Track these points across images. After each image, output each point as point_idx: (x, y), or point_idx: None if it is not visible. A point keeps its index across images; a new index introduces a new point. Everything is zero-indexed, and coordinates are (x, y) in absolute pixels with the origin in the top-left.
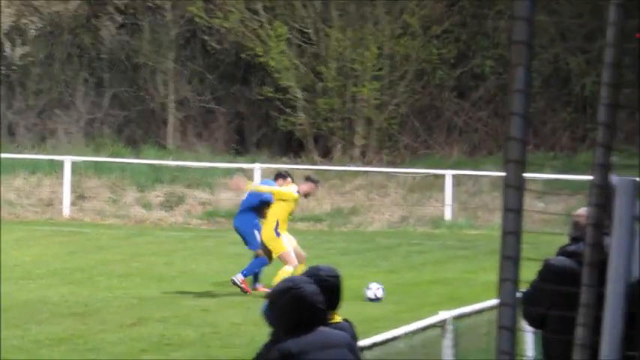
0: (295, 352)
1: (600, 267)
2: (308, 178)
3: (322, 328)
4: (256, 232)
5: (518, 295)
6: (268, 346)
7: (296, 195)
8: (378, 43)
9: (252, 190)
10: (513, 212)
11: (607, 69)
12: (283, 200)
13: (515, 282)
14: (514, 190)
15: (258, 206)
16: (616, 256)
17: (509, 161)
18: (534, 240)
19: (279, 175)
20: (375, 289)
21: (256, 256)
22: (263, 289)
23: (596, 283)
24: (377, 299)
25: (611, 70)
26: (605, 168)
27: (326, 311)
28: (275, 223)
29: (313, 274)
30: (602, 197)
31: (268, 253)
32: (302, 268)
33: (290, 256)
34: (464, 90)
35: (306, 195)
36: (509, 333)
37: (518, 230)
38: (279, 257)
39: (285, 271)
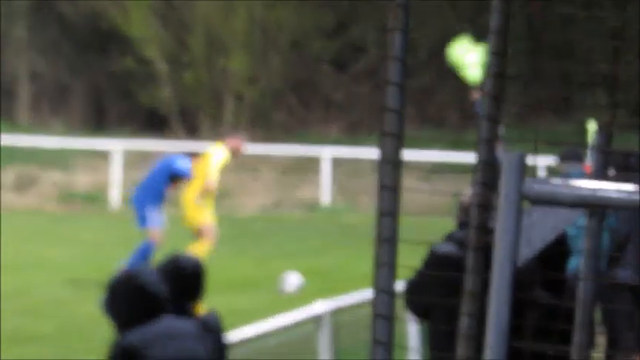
0: (139, 345)
1: (486, 251)
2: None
3: (166, 319)
4: (152, 209)
5: (402, 284)
6: (113, 342)
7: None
8: (248, 11)
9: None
10: (389, 190)
11: (493, 36)
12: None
13: (393, 267)
14: (390, 165)
15: (163, 180)
16: (501, 237)
17: (384, 134)
18: (419, 225)
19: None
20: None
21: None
22: None
23: (482, 269)
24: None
25: (497, 38)
26: (490, 142)
27: (168, 301)
28: (197, 192)
29: (173, 262)
30: (489, 175)
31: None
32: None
33: (210, 232)
34: (343, 62)
35: (235, 153)
36: (385, 322)
37: (395, 211)
38: (198, 230)
39: (200, 248)
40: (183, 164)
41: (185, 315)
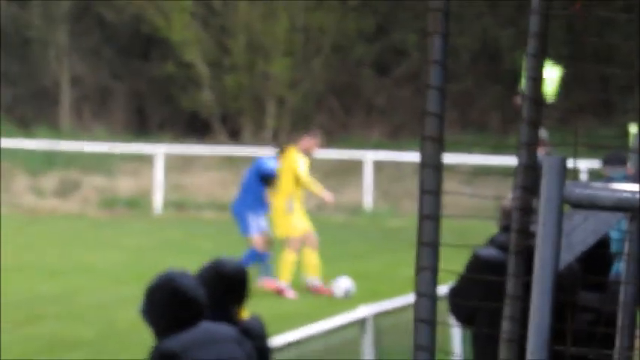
0: (178, 350)
1: (528, 255)
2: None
3: (205, 324)
4: (251, 216)
5: (445, 288)
6: (152, 347)
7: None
8: (290, 16)
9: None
10: (431, 194)
11: (532, 39)
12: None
13: (434, 271)
14: (431, 169)
15: (257, 184)
16: (543, 241)
17: (425, 138)
18: (462, 229)
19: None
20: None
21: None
22: (272, 284)
23: (523, 273)
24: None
25: (537, 40)
26: (531, 146)
27: (226, 308)
28: (287, 197)
29: (215, 267)
30: (530, 179)
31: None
32: (312, 256)
33: (297, 243)
34: (384, 66)
35: (308, 153)
36: (427, 327)
37: (436, 214)
38: (286, 240)
39: (288, 259)
40: (270, 164)
41: (228, 320)
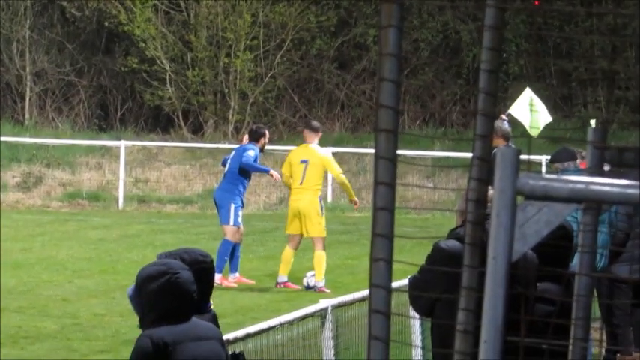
0: (169, 341)
1: (484, 246)
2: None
3: (195, 319)
4: (233, 206)
5: (405, 280)
6: (141, 337)
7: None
8: (251, 10)
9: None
10: (385, 186)
11: (488, 31)
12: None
13: (389, 262)
14: (386, 161)
15: (240, 174)
16: (496, 232)
17: (380, 131)
18: (424, 223)
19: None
20: (309, 277)
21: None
22: (243, 279)
23: (478, 264)
24: (310, 288)
25: (492, 33)
26: (485, 138)
27: (201, 300)
28: (319, 194)
29: (191, 257)
30: (484, 171)
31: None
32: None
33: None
34: (345, 61)
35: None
36: (382, 317)
37: (391, 206)
38: (314, 238)
39: (321, 256)
40: (251, 153)
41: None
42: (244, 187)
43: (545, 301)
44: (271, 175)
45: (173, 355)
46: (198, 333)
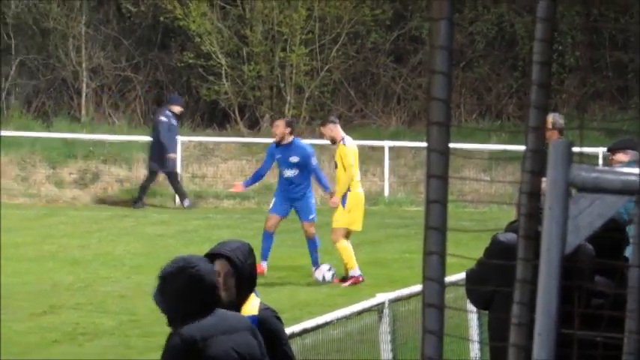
0: (199, 337)
1: (539, 239)
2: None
3: (221, 311)
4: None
5: (462, 274)
6: (171, 335)
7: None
8: (307, 5)
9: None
10: (438, 179)
11: (540, 23)
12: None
13: (442, 255)
14: (438, 154)
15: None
16: (548, 225)
17: (432, 124)
18: (481, 216)
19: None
20: (324, 271)
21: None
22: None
23: (532, 257)
24: (324, 281)
25: (544, 25)
26: (539, 130)
27: (251, 289)
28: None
29: (232, 251)
30: (538, 163)
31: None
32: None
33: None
34: (401, 54)
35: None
36: (436, 311)
37: (443, 198)
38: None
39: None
40: (305, 147)
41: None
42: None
43: (596, 294)
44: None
45: (205, 350)
46: (227, 325)
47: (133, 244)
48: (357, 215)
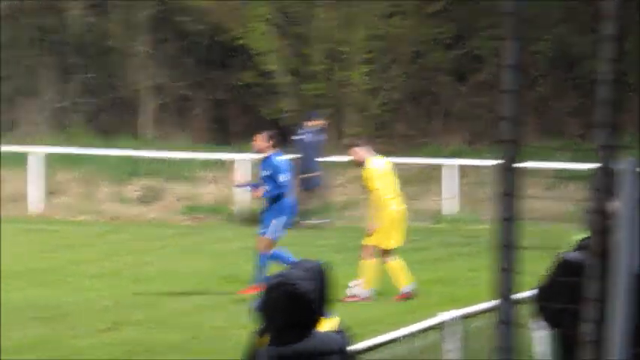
0: (286, 358)
1: (608, 257)
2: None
3: (316, 332)
4: (273, 219)
5: (531, 292)
6: (258, 350)
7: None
8: (367, 23)
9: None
10: (508, 196)
11: (607, 42)
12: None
13: (513, 272)
14: (508, 172)
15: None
16: (619, 243)
17: (502, 142)
18: (544, 235)
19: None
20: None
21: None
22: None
23: (602, 275)
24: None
25: (611, 43)
26: (608, 149)
27: (322, 312)
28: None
29: (317, 268)
30: (607, 182)
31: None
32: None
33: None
34: (462, 73)
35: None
36: (508, 328)
37: (514, 216)
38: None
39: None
40: (277, 162)
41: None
42: None
43: None
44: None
45: None
46: (320, 347)
47: (195, 261)
48: (391, 233)
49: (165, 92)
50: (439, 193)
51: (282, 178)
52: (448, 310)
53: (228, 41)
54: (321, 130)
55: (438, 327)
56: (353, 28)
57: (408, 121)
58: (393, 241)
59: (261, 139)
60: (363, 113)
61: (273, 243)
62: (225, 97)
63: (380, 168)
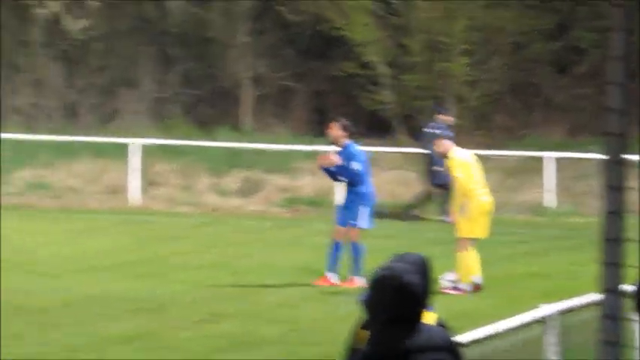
0: (392, 353)
1: None
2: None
3: (422, 325)
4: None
5: (633, 285)
6: (360, 345)
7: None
8: (468, 14)
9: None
10: (614, 189)
11: None
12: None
13: (620, 266)
14: (615, 165)
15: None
16: None
17: (608, 134)
18: (632, 226)
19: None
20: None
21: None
22: (342, 283)
23: None
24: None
25: None
26: None
27: (426, 305)
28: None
29: (422, 260)
30: None
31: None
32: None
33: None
34: (564, 65)
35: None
36: (613, 322)
37: (620, 210)
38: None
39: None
40: (353, 150)
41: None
42: None
43: None
44: None
45: None
46: (425, 343)
47: (295, 253)
48: (480, 223)
49: (265, 83)
50: (539, 186)
51: (357, 166)
52: (550, 303)
53: (328, 31)
54: (450, 125)
55: (541, 320)
56: (453, 19)
57: (508, 112)
58: (478, 231)
59: (336, 128)
60: (462, 105)
61: (360, 232)
62: (326, 88)
63: (464, 158)
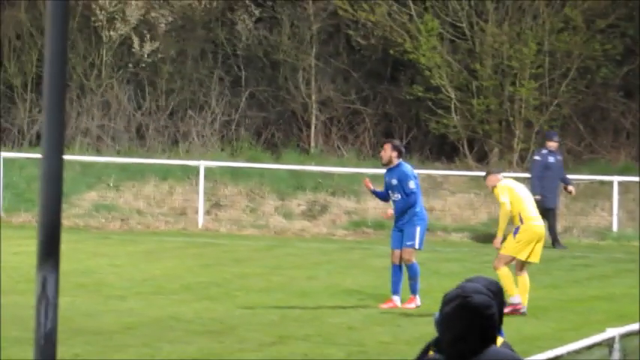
0: None
1: None
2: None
3: (492, 348)
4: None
5: None
6: None
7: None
8: (537, 39)
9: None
10: None
11: None
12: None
13: None
14: None
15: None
16: None
17: None
18: None
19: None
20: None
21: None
22: (404, 304)
23: None
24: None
25: None
26: None
27: (498, 330)
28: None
29: (495, 284)
30: None
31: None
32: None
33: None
34: (631, 89)
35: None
36: None
37: None
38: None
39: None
40: (406, 169)
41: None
42: None
43: None
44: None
45: None
46: None
47: (361, 276)
48: (528, 247)
49: (332, 106)
50: (605, 210)
51: (412, 185)
52: (614, 326)
53: (397, 55)
54: (558, 151)
55: (606, 343)
56: (522, 44)
57: (577, 136)
58: (530, 256)
59: (389, 149)
60: (531, 129)
61: (415, 252)
62: (393, 112)
63: (511, 185)
